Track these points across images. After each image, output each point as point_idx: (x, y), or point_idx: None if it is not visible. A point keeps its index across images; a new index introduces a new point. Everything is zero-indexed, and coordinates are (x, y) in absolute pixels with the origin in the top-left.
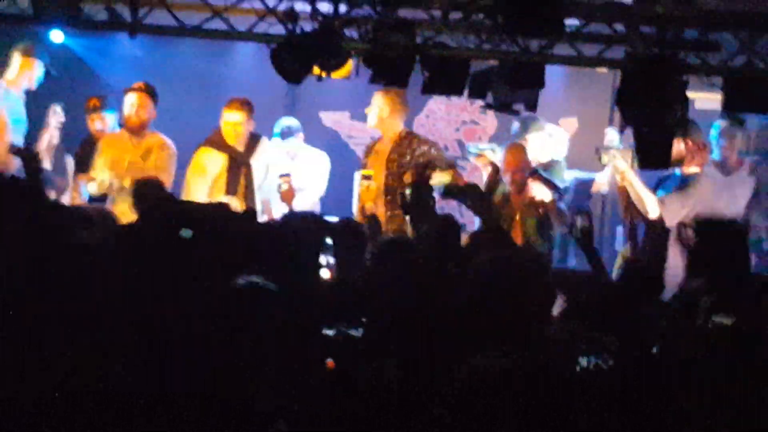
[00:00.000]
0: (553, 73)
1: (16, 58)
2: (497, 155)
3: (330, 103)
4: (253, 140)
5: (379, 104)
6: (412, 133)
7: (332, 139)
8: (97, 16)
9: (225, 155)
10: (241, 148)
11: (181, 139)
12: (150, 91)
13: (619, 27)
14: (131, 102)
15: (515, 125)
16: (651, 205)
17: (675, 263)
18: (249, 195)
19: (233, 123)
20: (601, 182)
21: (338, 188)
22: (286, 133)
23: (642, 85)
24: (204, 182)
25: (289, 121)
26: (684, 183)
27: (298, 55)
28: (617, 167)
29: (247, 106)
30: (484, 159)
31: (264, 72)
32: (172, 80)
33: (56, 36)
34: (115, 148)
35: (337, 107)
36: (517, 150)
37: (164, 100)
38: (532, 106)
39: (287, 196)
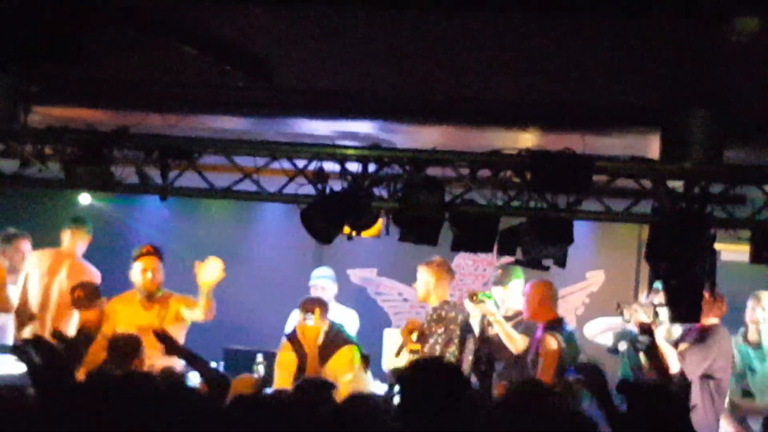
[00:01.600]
0: (579, 225)
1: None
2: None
3: (357, 260)
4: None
5: (425, 278)
6: (448, 302)
7: (360, 295)
8: (128, 179)
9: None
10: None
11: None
12: (159, 254)
13: (646, 182)
14: (141, 268)
15: (497, 273)
16: (672, 360)
17: (703, 414)
18: None
19: (309, 328)
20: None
21: (366, 345)
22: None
23: (670, 239)
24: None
25: (322, 272)
26: (703, 335)
27: (329, 214)
28: (639, 321)
29: (321, 306)
30: (481, 306)
31: (291, 231)
32: (200, 240)
33: (84, 198)
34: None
35: (365, 264)
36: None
37: (192, 260)
38: (561, 261)
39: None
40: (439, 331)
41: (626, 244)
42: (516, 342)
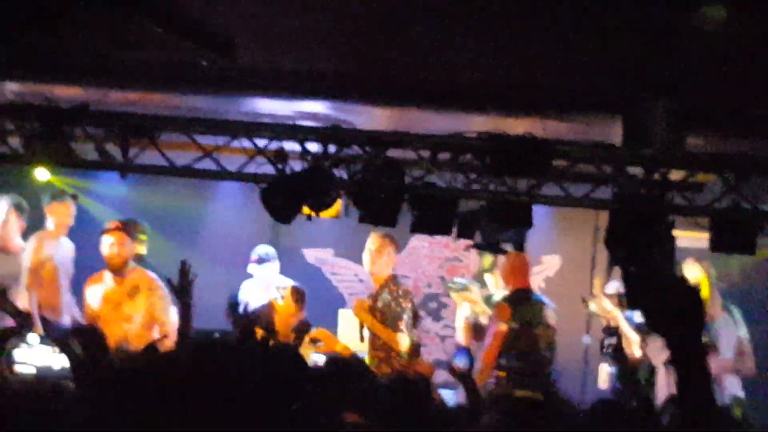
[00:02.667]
0: (537, 210)
1: (51, 208)
2: (476, 293)
3: (313, 239)
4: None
5: (370, 247)
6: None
7: (315, 275)
8: (88, 155)
9: None
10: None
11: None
12: (127, 230)
13: (607, 168)
14: (110, 242)
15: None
16: (635, 346)
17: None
18: None
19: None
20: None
21: (320, 324)
22: (262, 260)
23: (629, 226)
24: None
25: (265, 249)
26: None
27: (288, 194)
28: (606, 310)
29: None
30: (465, 295)
31: (248, 208)
32: (157, 218)
33: (41, 174)
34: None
35: (321, 244)
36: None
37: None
38: (519, 245)
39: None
40: (408, 306)
41: (582, 229)
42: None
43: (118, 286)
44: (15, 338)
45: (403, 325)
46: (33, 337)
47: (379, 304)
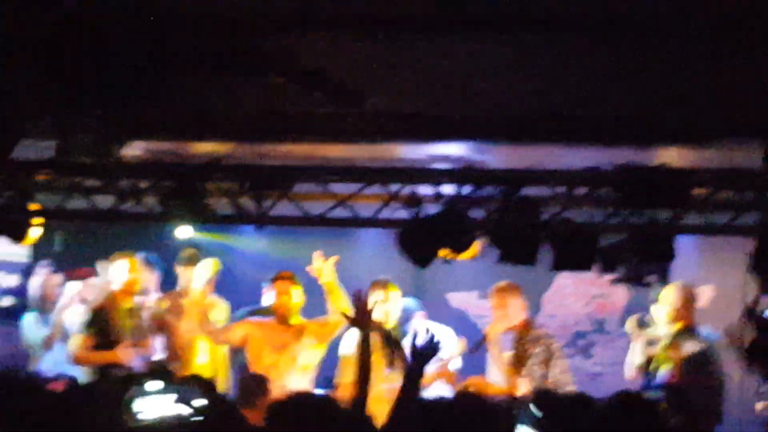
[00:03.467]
0: (684, 240)
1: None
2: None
3: (457, 283)
4: None
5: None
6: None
7: (460, 319)
8: (223, 210)
9: None
10: None
11: None
12: (295, 279)
13: (749, 193)
14: (278, 290)
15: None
16: None
17: None
18: None
19: None
20: None
21: (468, 367)
22: (403, 318)
23: None
24: None
25: (405, 303)
26: None
27: (425, 238)
28: None
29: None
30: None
31: (388, 256)
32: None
33: (183, 231)
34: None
35: (465, 287)
36: None
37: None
38: (663, 277)
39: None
40: (536, 351)
41: (733, 257)
42: None
43: (283, 334)
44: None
45: (525, 371)
46: (153, 385)
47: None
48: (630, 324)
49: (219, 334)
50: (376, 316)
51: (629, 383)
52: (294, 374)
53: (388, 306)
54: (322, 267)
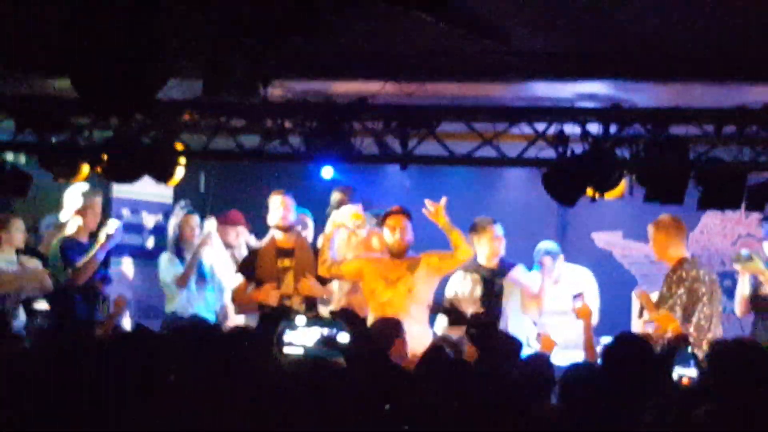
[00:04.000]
0: None
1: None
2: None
3: (602, 223)
4: None
5: (655, 239)
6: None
7: (605, 259)
8: (368, 149)
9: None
10: None
11: None
12: (407, 213)
13: None
14: (392, 225)
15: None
16: None
17: None
18: None
19: None
20: None
21: (613, 308)
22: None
23: None
24: None
25: (545, 245)
26: None
27: (571, 177)
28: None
29: None
30: (750, 266)
31: (533, 195)
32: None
33: (326, 172)
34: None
35: (609, 227)
36: None
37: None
38: None
39: (584, 313)
40: (679, 292)
41: None
42: None
43: (396, 268)
44: (284, 321)
45: (663, 311)
46: (300, 319)
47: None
48: (735, 259)
49: (333, 266)
50: None
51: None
52: (411, 307)
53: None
54: (436, 210)
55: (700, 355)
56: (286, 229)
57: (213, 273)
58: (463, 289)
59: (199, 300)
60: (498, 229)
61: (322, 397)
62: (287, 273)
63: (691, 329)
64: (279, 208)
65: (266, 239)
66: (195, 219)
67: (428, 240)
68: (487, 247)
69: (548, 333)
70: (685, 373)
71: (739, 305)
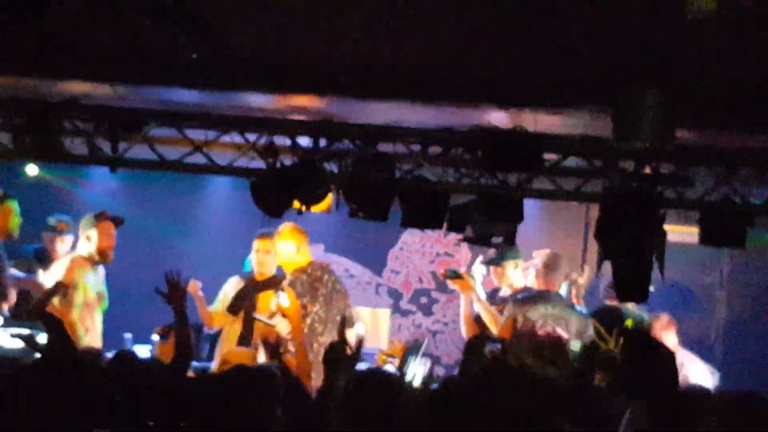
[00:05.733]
0: (528, 204)
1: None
2: (476, 280)
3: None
4: None
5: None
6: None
7: None
8: (78, 149)
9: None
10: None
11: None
12: (116, 221)
13: (597, 161)
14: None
15: (490, 252)
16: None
17: None
18: None
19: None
20: None
21: None
22: None
23: (620, 218)
24: None
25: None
26: None
27: (279, 188)
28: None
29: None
30: (463, 283)
31: (239, 204)
32: (149, 212)
33: (31, 169)
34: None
35: (311, 240)
36: None
37: (140, 231)
38: (510, 239)
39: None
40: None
41: (573, 223)
42: (498, 321)
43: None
44: None
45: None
46: None
47: None
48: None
49: None
50: None
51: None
52: None
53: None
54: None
55: None
56: None
57: None
58: None
59: None
60: None
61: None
62: None
63: (306, 330)
64: None
65: None
66: None
67: None
68: None
69: None
70: None
71: (463, 325)
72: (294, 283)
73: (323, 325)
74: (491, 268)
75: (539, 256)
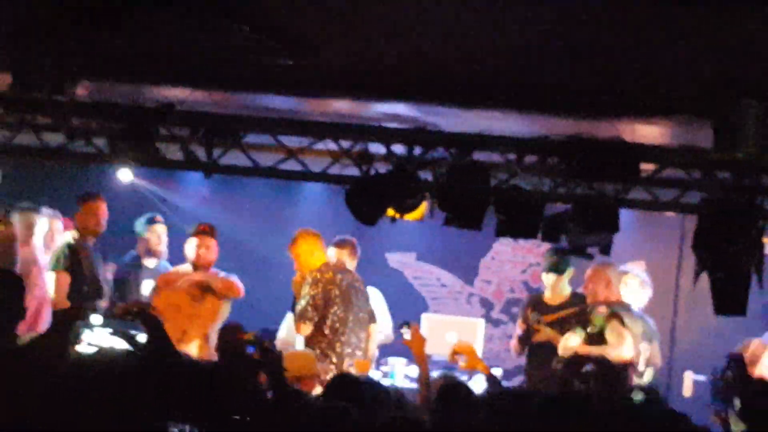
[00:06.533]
0: (623, 215)
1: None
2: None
3: (396, 243)
4: None
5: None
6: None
7: (396, 279)
8: (173, 155)
9: None
10: None
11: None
12: (214, 233)
13: (696, 172)
14: (198, 243)
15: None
16: None
17: None
18: None
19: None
20: None
21: None
22: None
23: (718, 230)
24: None
25: None
26: None
27: (373, 196)
28: None
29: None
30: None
31: (332, 211)
32: (240, 217)
33: (124, 175)
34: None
35: (403, 248)
36: None
37: (232, 237)
38: (605, 249)
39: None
40: (313, 293)
41: (669, 234)
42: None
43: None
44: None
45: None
46: (96, 318)
47: None
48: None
49: None
50: None
51: None
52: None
53: None
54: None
55: None
56: None
57: None
58: None
59: None
60: None
61: (117, 391)
62: None
63: (327, 331)
64: None
65: None
66: None
67: None
68: None
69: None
70: None
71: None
72: (310, 285)
73: (344, 326)
74: (548, 275)
75: (633, 267)
